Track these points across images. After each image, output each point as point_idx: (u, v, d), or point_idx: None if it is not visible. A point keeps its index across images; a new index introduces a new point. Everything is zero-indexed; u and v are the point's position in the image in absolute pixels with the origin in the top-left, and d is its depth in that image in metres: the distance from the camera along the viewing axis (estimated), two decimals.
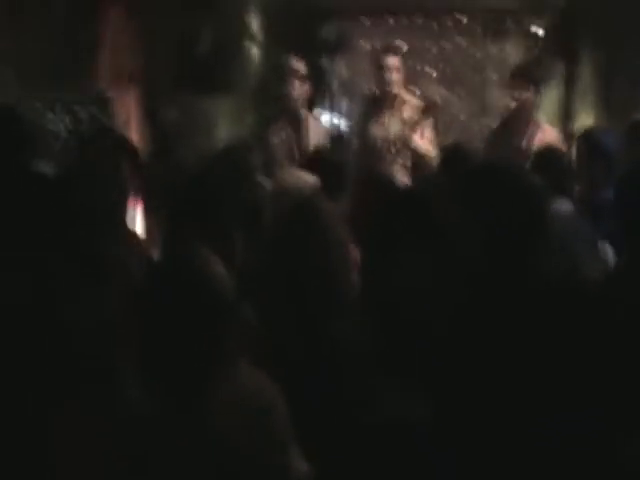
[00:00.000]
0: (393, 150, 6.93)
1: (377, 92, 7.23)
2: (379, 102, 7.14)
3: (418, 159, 6.86)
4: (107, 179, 3.93)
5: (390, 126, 7.01)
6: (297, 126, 6.77)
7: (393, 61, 7.04)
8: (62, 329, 2.65)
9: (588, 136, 5.47)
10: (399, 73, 7.05)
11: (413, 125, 6.83)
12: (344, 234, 3.10)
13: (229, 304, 2.44)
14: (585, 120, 8.42)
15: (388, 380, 2.68)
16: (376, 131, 7.01)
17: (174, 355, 2.38)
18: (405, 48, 9.73)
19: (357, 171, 6.05)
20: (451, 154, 5.36)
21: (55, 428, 2.40)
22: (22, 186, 3.44)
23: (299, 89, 6.73)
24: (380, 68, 7.07)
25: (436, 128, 7.51)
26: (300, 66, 6.76)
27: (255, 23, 10.61)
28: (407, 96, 7.20)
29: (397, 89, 7.04)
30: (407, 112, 7.01)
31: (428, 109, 6.97)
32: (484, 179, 3.13)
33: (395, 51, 7.19)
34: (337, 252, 3.01)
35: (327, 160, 5.35)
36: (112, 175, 4.00)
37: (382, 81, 7.05)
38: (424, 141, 6.89)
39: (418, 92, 9.51)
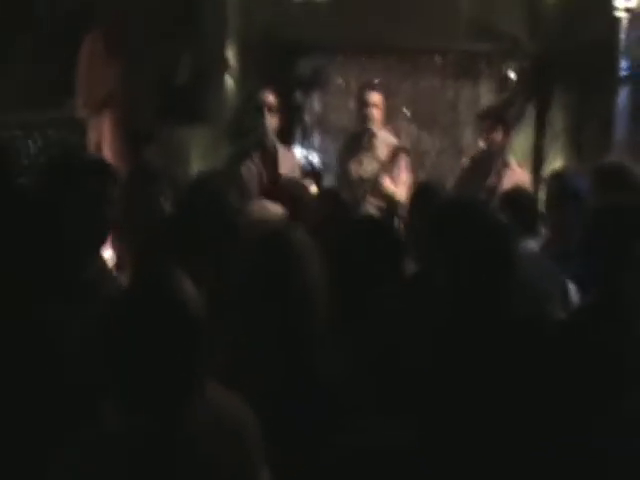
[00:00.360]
0: (367, 189, 6.97)
1: (357, 128, 7.27)
2: (358, 139, 7.19)
3: (388, 200, 6.90)
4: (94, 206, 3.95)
5: (366, 165, 7.06)
6: (269, 159, 6.80)
7: (376, 98, 7.11)
8: (45, 353, 2.68)
9: (559, 177, 5.54)
10: (380, 110, 7.12)
11: (386, 166, 6.87)
12: (318, 263, 3.11)
13: (202, 326, 2.46)
14: (555, 163, 8.52)
15: (369, 407, 2.72)
16: (354, 169, 7.06)
17: (146, 377, 2.39)
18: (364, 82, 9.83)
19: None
20: (420, 191, 5.41)
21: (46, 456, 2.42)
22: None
23: (272, 122, 6.77)
24: (363, 104, 7.13)
25: (413, 171, 7.52)
26: (273, 99, 6.80)
27: (232, 55, 10.67)
28: (385, 135, 7.26)
29: (377, 126, 7.10)
30: (383, 151, 7.05)
31: (396, 153, 7.00)
32: (452, 217, 3.18)
33: (377, 88, 7.26)
34: (311, 280, 3.03)
35: (294, 193, 5.40)
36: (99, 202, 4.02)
37: (364, 117, 7.11)
38: (399, 182, 6.91)
39: (389, 130, 9.61)
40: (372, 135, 7.10)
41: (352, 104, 10.34)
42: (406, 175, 7.01)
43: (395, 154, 6.92)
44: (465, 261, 3.02)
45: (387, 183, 6.90)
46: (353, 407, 2.80)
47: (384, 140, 7.17)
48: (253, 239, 3.24)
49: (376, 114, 7.09)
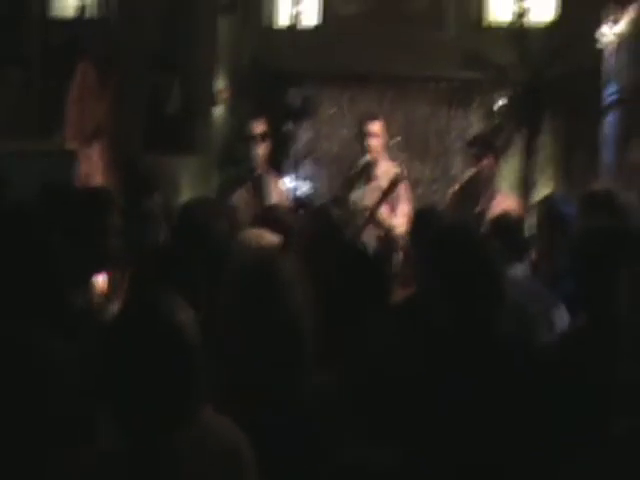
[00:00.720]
0: (366, 218, 6.95)
1: (359, 159, 7.24)
2: (360, 170, 7.18)
3: (386, 230, 6.85)
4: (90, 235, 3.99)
5: (366, 194, 7.05)
6: (259, 189, 6.81)
7: (376, 127, 7.10)
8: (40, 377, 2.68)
9: (549, 202, 5.56)
10: (379, 139, 7.11)
11: (384, 194, 6.83)
12: (305, 290, 3.11)
13: (197, 351, 2.47)
14: (544, 189, 8.54)
15: (354, 428, 2.72)
16: (354, 198, 7.05)
17: (141, 400, 2.39)
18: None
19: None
20: (418, 219, 5.41)
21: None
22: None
23: (262, 152, 6.79)
24: (363, 134, 7.13)
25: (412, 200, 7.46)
26: (262, 128, 6.82)
27: (222, 85, 10.72)
28: (388, 164, 7.22)
29: (378, 155, 7.09)
30: (384, 182, 7.03)
31: (394, 183, 6.95)
32: (445, 244, 3.19)
33: (377, 118, 7.26)
34: (296, 308, 3.03)
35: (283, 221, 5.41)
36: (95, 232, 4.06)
37: (364, 148, 7.10)
38: (399, 213, 6.87)
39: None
40: (374, 166, 7.08)
41: (343, 133, 10.41)
42: (406, 206, 6.95)
43: (394, 183, 6.89)
44: (458, 288, 3.03)
45: (385, 213, 6.85)
46: (340, 435, 2.79)
47: (386, 170, 7.14)
48: (242, 267, 3.25)
49: (377, 144, 7.08)
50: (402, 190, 6.94)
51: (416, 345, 2.93)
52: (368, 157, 7.10)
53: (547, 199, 5.72)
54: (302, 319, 3.04)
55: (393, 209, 6.87)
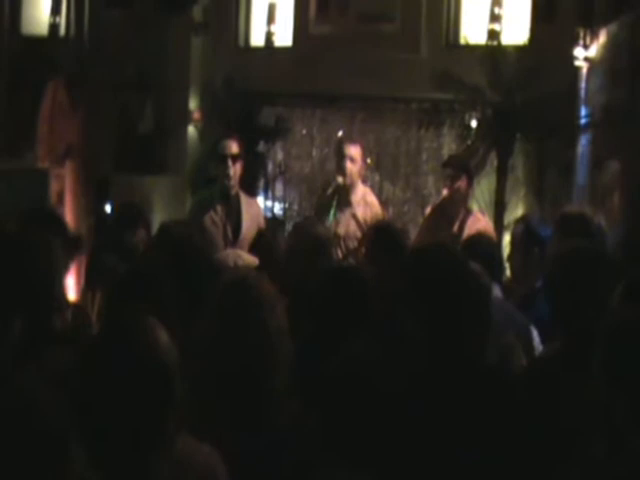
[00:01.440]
0: (343, 246, 6.93)
1: (337, 182, 7.20)
2: (335, 194, 7.16)
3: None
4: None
5: (343, 222, 7.02)
6: (233, 208, 6.78)
7: (354, 151, 7.08)
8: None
9: (525, 222, 5.59)
10: (357, 164, 7.08)
11: (363, 237, 6.76)
12: (281, 310, 3.11)
13: (175, 375, 2.43)
14: (517, 210, 8.57)
15: (328, 455, 2.70)
16: (330, 222, 7.00)
17: (115, 427, 2.35)
18: (340, 133, 9.89)
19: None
20: (377, 234, 5.43)
21: None
22: None
23: (236, 171, 6.76)
24: (340, 157, 7.10)
25: None
26: (235, 148, 6.80)
27: (194, 105, 10.70)
28: (366, 194, 7.20)
29: (354, 180, 7.06)
30: (361, 210, 7.01)
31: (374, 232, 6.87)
32: (428, 266, 3.17)
33: (354, 142, 7.25)
34: (273, 328, 3.02)
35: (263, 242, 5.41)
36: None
37: (341, 170, 7.07)
38: None
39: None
40: (349, 191, 7.05)
41: (314, 153, 10.41)
42: None
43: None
44: (441, 310, 3.02)
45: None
46: (315, 458, 2.77)
47: (363, 197, 7.12)
48: (218, 287, 3.24)
49: (353, 168, 7.05)
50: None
51: (396, 367, 2.90)
52: (341, 180, 7.08)
53: (525, 218, 5.75)
54: (279, 340, 3.02)
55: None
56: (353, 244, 6.85)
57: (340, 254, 6.77)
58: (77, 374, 2.41)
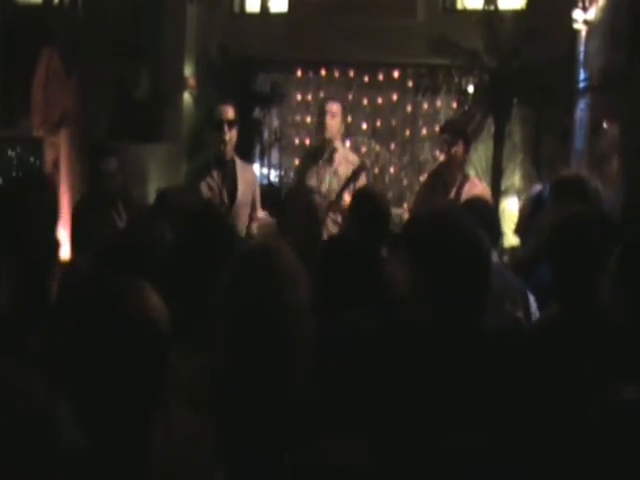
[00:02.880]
0: (325, 204, 6.94)
1: (316, 142, 7.27)
2: (318, 153, 7.18)
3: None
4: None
5: (325, 179, 7.04)
6: (228, 174, 6.76)
7: (335, 107, 7.10)
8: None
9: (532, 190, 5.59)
10: (337, 119, 7.09)
11: (347, 181, 6.83)
12: (304, 283, 3.01)
13: (168, 342, 2.39)
14: (514, 176, 8.55)
15: (329, 426, 2.69)
16: (311, 182, 7.04)
17: (109, 395, 2.31)
18: (322, 95, 9.87)
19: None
20: (359, 199, 5.42)
21: None
22: None
23: (231, 137, 6.73)
24: (322, 113, 7.12)
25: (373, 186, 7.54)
26: (231, 113, 6.77)
27: (190, 72, 10.65)
28: (346, 151, 7.24)
29: (335, 136, 7.07)
30: (343, 167, 7.03)
31: (358, 173, 6.95)
32: (431, 230, 3.13)
33: (335, 100, 7.28)
34: (293, 303, 2.93)
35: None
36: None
37: (322, 126, 7.09)
38: None
39: (348, 144, 9.62)
40: (332, 150, 7.09)
41: (309, 120, 10.39)
42: None
43: (357, 172, 6.89)
44: (445, 278, 2.98)
45: (347, 200, 6.85)
46: (318, 426, 2.76)
47: (345, 156, 7.14)
48: (238, 256, 3.12)
49: (334, 124, 7.07)
50: (362, 179, 6.94)
51: (399, 339, 2.87)
52: (326, 135, 7.10)
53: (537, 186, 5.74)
54: (299, 316, 2.94)
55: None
56: (336, 203, 6.88)
57: (328, 212, 6.82)
58: (70, 339, 2.36)
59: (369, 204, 5.21)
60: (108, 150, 6.72)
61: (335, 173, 7.03)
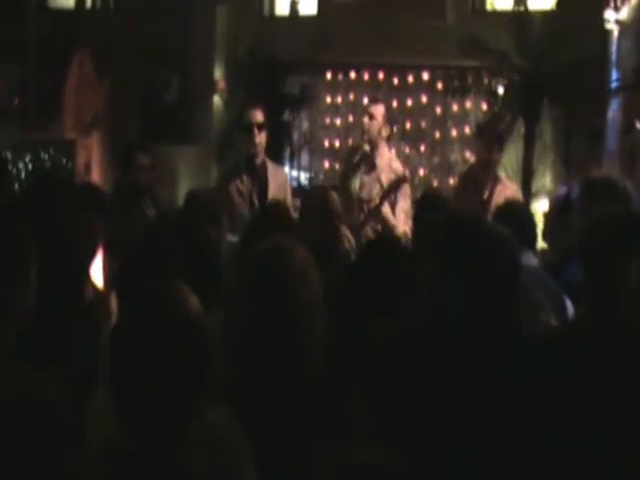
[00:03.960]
0: (366, 210, 6.91)
1: (362, 147, 7.19)
2: (362, 157, 7.13)
3: (386, 227, 6.80)
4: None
5: (368, 185, 7.00)
6: (259, 177, 6.78)
7: (374, 109, 7.05)
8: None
9: (568, 187, 5.56)
10: (377, 121, 7.03)
11: (386, 192, 6.78)
12: (316, 281, 3.03)
13: (208, 340, 2.40)
14: (545, 177, 8.52)
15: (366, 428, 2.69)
16: (355, 188, 7.00)
17: (151, 395, 2.32)
18: (365, 102, 9.87)
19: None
20: (424, 201, 5.40)
21: None
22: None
23: (261, 140, 6.75)
24: (368, 116, 7.07)
25: (412, 197, 7.48)
26: (261, 116, 6.79)
27: (220, 75, 10.69)
28: (392, 160, 7.16)
29: (373, 137, 7.01)
30: (385, 174, 6.98)
31: (398, 183, 6.89)
32: (458, 232, 3.14)
33: (378, 101, 7.24)
34: (306, 301, 2.95)
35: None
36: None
37: (368, 128, 7.04)
38: (399, 209, 6.82)
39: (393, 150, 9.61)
40: (374, 154, 7.03)
41: (339, 122, 10.39)
42: (405, 203, 6.89)
43: (398, 183, 6.83)
44: (473, 278, 2.98)
45: (387, 210, 6.79)
46: (344, 427, 2.77)
47: (388, 162, 7.07)
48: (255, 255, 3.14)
49: (371, 125, 7.02)
50: (406, 190, 6.89)
51: (430, 344, 2.87)
52: (367, 147, 7.06)
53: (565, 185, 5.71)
54: (311, 314, 2.95)
55: (392, 207, 6.81)
56: (375, 211, 6.83)
57: (363, 217, 6.77)
58: (117, 341, 2.38)
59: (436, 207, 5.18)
60: (144, 146, 6.88)
61: (377, 180, 6.98)
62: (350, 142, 9.77)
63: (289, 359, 2.92)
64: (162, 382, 2.32)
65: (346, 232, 5.61)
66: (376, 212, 6.68)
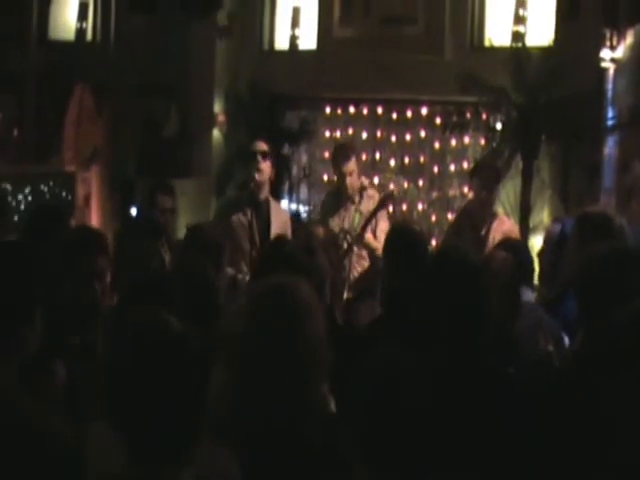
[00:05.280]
0: (349, 239, 7.01)
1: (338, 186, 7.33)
2: (339, 195, 7.26)
3: (371, 252, 6.95)
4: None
5: (348, 217, 7.11)
6: (262, 213, 6.80)
7: (350, 167, 7.15)
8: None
9: (562, 223, 5.58)
10: (354, 175, 7.17)
11: (369, 216, 6.90)
12: (320, 318, 3.03)
13: (207, 366, 2.43)
14: (543, 213, 8.54)
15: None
16: (335, 221, 7.11)
17: (157, 420, 2.35)
18: (364, 136, 9.92)
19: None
20: (396, 235, 5.42)
21: None
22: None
23: (264, 174, 6.78)
24: (340, 174, 7.20)
25: (391, 218, 7.63)
26: (265, 147, 6.83)
27: (219, 108, 10.73)
28: (370, 190, 7.29)
29: (354, 189, 7.16)
30: (365, 204, 7.08)
31: (385, 200, 7.03)
32: (454, 271, 3.18)
33: (349, 157, 7.26)
34: (310, 338, 2.95)
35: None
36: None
37: (344, 185, 7.17)
38: (379, 231, 6.92)
39: (377, 181, 9.65)
40: (353, 193, 7.18)
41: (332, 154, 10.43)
42: (385, 223, 7.03)
43: (383, 201, 6.96)
44: (466, 312, 3.03)
45: (369, 236, 6.92)
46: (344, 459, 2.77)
47: (368, 194, 7.22)
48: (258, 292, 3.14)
49: (353, 181, 7.16)
50: (382, 212, 7.01)
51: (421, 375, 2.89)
52: (348, 193, 7.19)
53: (558, 220, 5.73)
54: (319, 349, 2.95)
55: (373, 231, 6.93)
56: (358, 239, 6.95)
57: (346, 245, 6.91)
58: (116, 370, 2.40)
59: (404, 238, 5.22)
60: (167, 188, 7.14)
61: (358, 211, 7.09)
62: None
63: (297, 396, 2.92)
64: (161, 409, 2.35)
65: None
66: (359, 239, 6.81)
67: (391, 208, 7.14)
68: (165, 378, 2.34)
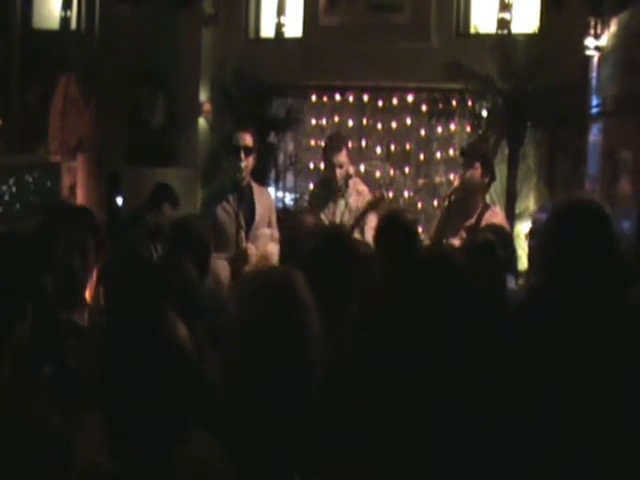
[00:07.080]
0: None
1: (328, 176, 7.28)
2: (328, 187, 7.21)
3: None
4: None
5: (337, 212, 7.09)
6: (245, 199, 6.81)
7: (341, 158, 7.11)
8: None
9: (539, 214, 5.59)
10: (345, 166, 7.13)
11: (359, 216, 6.87)
12: (314, 312, 3.02)
13: (197, 371, 2.44)
14: (528, 199, 8.57)
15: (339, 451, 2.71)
16: (324, 215, 7.08)
17: (143, 417, 2.36)
18: (351, 124, 9.93)
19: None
20: (386, 224, 5.41)
21: None
22: None
23: (249, 163, 6.78)
24: (330, 165, 7.15)
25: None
26: (249, 140, 6.82)
27: (205, 97, 10.73)
28: (357, 183, 7.25)
29: (345, 179, 7.11)
30: (354, 200, 7.06)
31: (375, 204, 6.97)
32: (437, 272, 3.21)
33: (340, 148, 7.23)
34: (308, 332, 2.94)
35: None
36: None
37: (334, 176, 7.13)
38: (368, 228, 6.90)
39: (363, 169, 9.66)
40: (344, 185, 7.13)
41: (324, 144, 10.40)
42: (374, 222, 6.97)
43: (373, 204, 6.91)
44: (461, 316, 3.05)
45: (357, 236, 6.89)
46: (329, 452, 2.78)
47: (354, 187, 7.17)
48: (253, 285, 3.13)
49: (343, 172, 7.12)
50: (373, 216, 6.98)
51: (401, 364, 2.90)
52: (338, 184, 7.15)
53: (544, 208, 5.73)
54: (312, 343, 2.94)
55: (362, 227, 6.91)
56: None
57: None
58: (104, 367, 2.42)
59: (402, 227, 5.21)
60: (177, 201, 7.42)
61: (347, 206, 7.07)
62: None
63: (288, 388, 2.92)
64: (149, 405, 2.36)
65: None
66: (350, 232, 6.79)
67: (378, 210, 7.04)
68: (154, 377, 2.35)
